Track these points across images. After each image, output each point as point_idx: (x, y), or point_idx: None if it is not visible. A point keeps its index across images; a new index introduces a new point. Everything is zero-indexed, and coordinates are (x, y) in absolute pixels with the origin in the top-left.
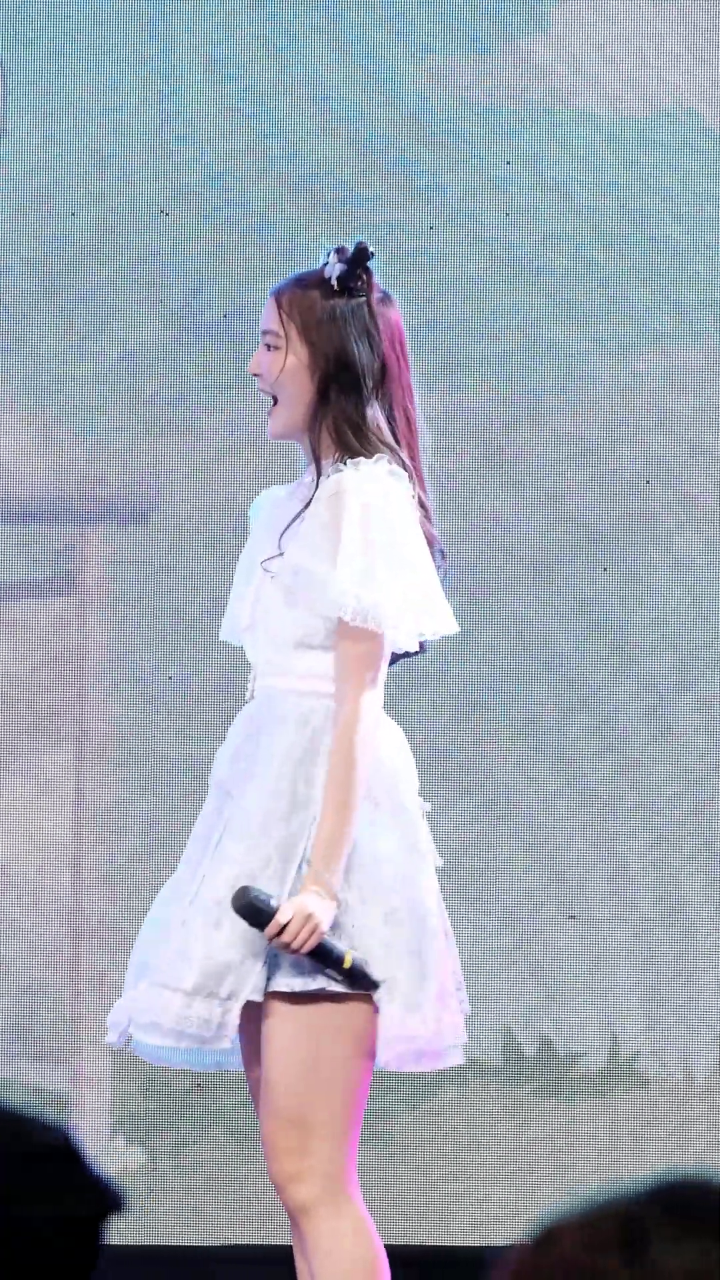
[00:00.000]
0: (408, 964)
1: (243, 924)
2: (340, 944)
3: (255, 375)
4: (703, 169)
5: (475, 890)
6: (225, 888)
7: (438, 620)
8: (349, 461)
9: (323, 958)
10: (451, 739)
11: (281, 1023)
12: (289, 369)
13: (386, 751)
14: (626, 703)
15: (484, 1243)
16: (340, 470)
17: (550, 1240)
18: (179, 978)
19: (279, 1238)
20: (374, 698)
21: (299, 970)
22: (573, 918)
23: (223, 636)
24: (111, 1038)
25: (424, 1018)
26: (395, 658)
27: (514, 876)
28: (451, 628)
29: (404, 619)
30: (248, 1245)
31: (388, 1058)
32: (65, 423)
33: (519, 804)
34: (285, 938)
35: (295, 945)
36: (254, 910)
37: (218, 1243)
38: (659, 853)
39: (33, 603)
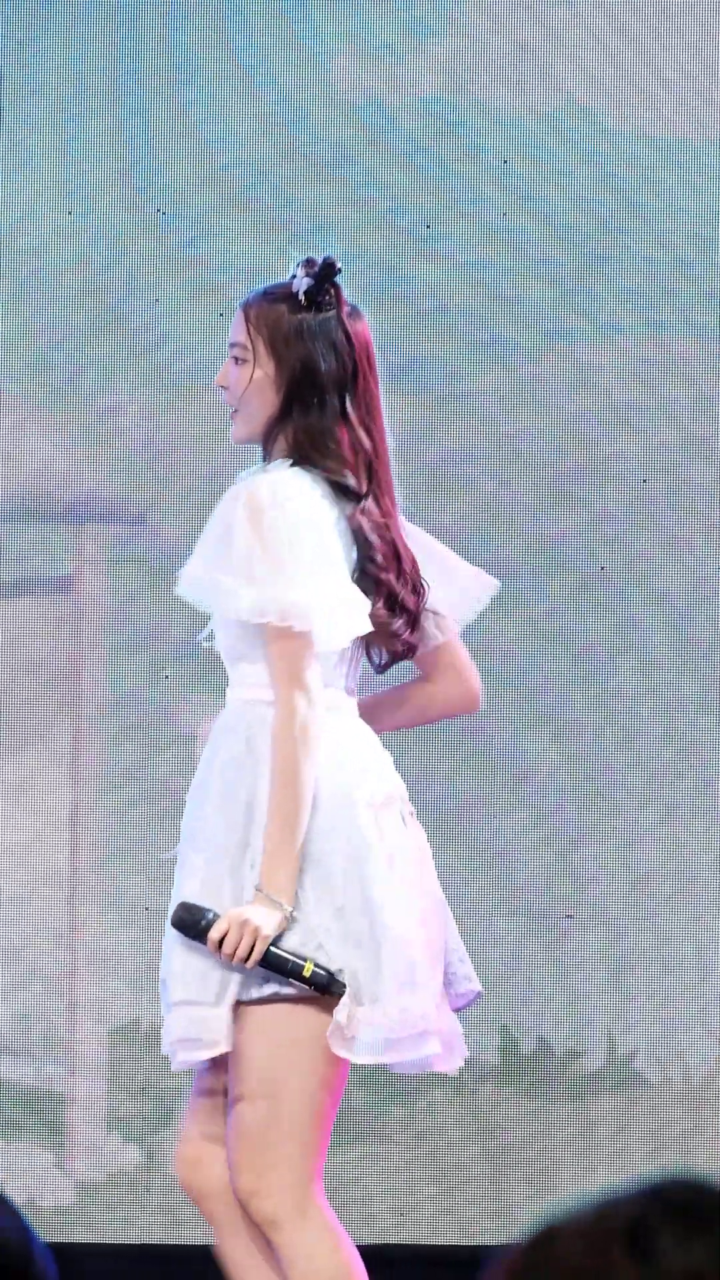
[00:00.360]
0: (361, 957)
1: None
2: (296, 954)
3: (222, 387)
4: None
5: (473, 891)
6: (188, 896)
7: (356, 619)
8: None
9: (277, 968)
10: (449, 738)
11: (243, 1033)
12: (256, 382)
13: (330, 747)
14: (631, 704)
15: (477, 1243)
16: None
17: (550, 1240)
18: (171, 994)
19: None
20: (304, 698)
21: (253, 978)
22: (569, 917)
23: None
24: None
25: (385, 1009)
26: (385, 665)
27: (512, 877)
28: (365, 627)
29: (327, 614)
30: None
31: (360, 1053)
32: (67, 423)
33: (517, 805)
34: (226, 949)
35: (239, 955)
36: (187, 926)
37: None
38: (658, 854)
39: (32, 600)
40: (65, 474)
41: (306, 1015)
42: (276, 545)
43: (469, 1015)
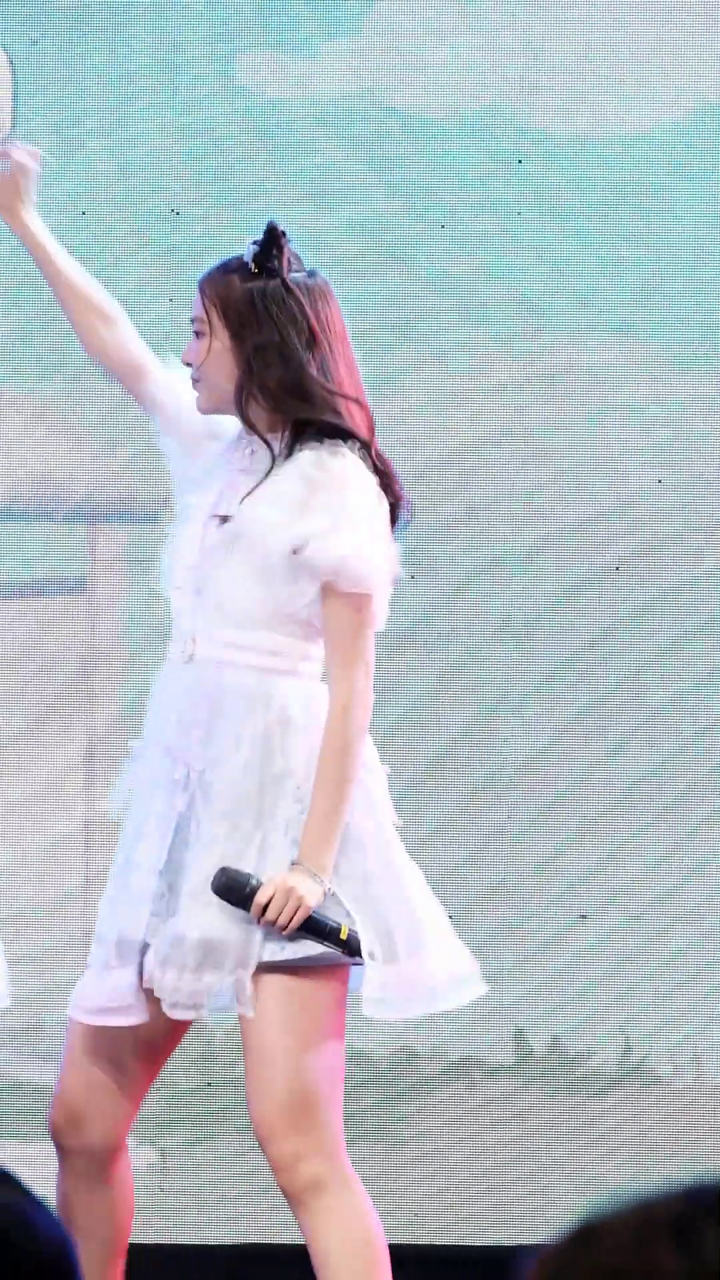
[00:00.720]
0: (385, 920)
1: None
2: (332, 917)
3: (186, 364)
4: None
5: (486, 890)
6: (211, 869)
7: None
8: (327, 443)
9: (316, 932)
10: (457, 737)
11: (274, 998)
12: (214, 353)
13: None
14: (646, 704)
15: (496, 1243)
16: (318, 448)
17: (589, 1237)
18: (182, 955)
19: (290, 1237)
20: (368, 676)
21: (286, 938)
22: (584, 917)
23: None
24: (131, 1020)
25: (402, 968)
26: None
27: (525, 876)
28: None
29: (386, 594)
30: (259, 1244)
31: (386, 1011)
32: (80, 423)
33: (529, 802)
34: (270, 915)
35: (281, 921)
36: (232, 891)
37: (228, 1241)
38: (672, 852)
39: (49, 600)
40: (77, 473)
41: (329, 980)
42: (376, 526)
43: (480, 1014)
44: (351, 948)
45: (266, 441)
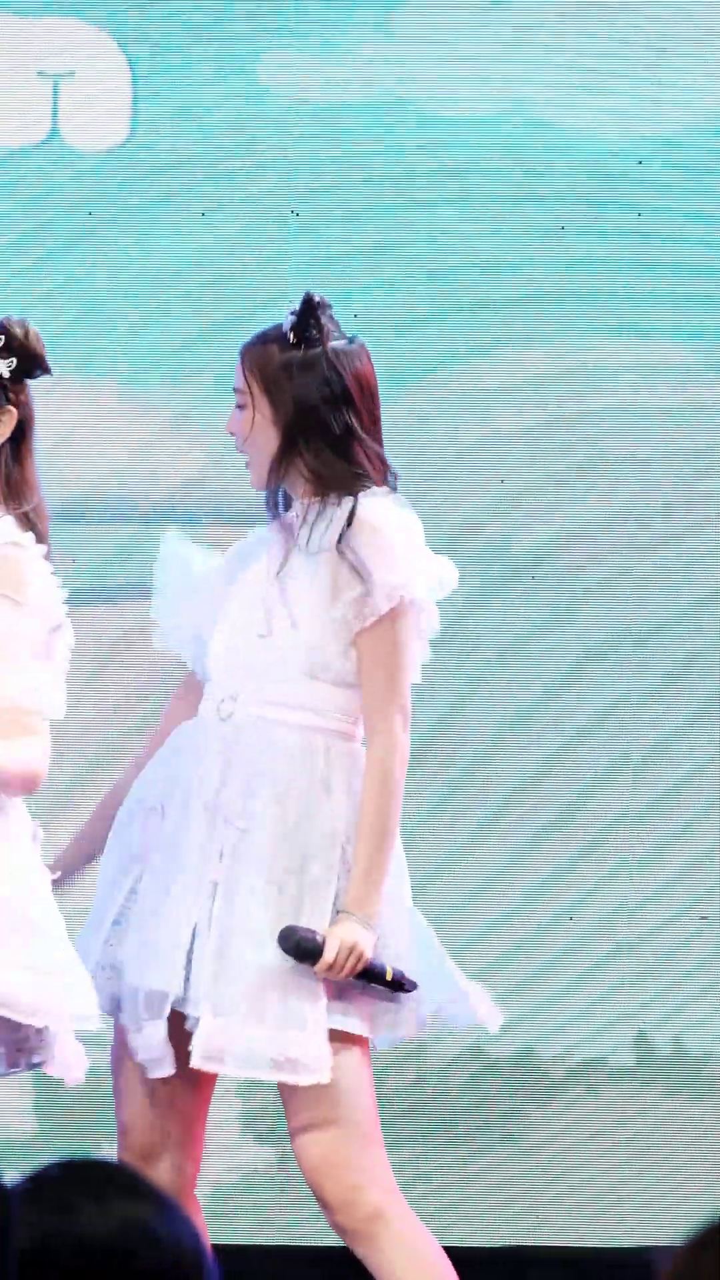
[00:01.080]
0: (428, 952)
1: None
2: (379, 960)
3: (232, 434)
4: None
5: (609, 898)
6: (262, 924)
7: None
8: (357, 494)
9: (370, 978)
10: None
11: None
12: (257, 425)
13: None
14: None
15: (623, 1245)
16: (349, 499)
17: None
18: (261, 1012)
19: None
20: (407, 728)
21: (347, 995)
22: (704, 918)
23: (166, 646)
24: (163, 1071)
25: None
26: None
27: (648, 881)
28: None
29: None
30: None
31: (402, 1036)
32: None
33: (650, 801)
34: (334, 973)
35: (346, 973)
36: (303, 950)
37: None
38: None
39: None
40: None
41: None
42: (425, 562)
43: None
44: (402, 985)
45: (292, 509)
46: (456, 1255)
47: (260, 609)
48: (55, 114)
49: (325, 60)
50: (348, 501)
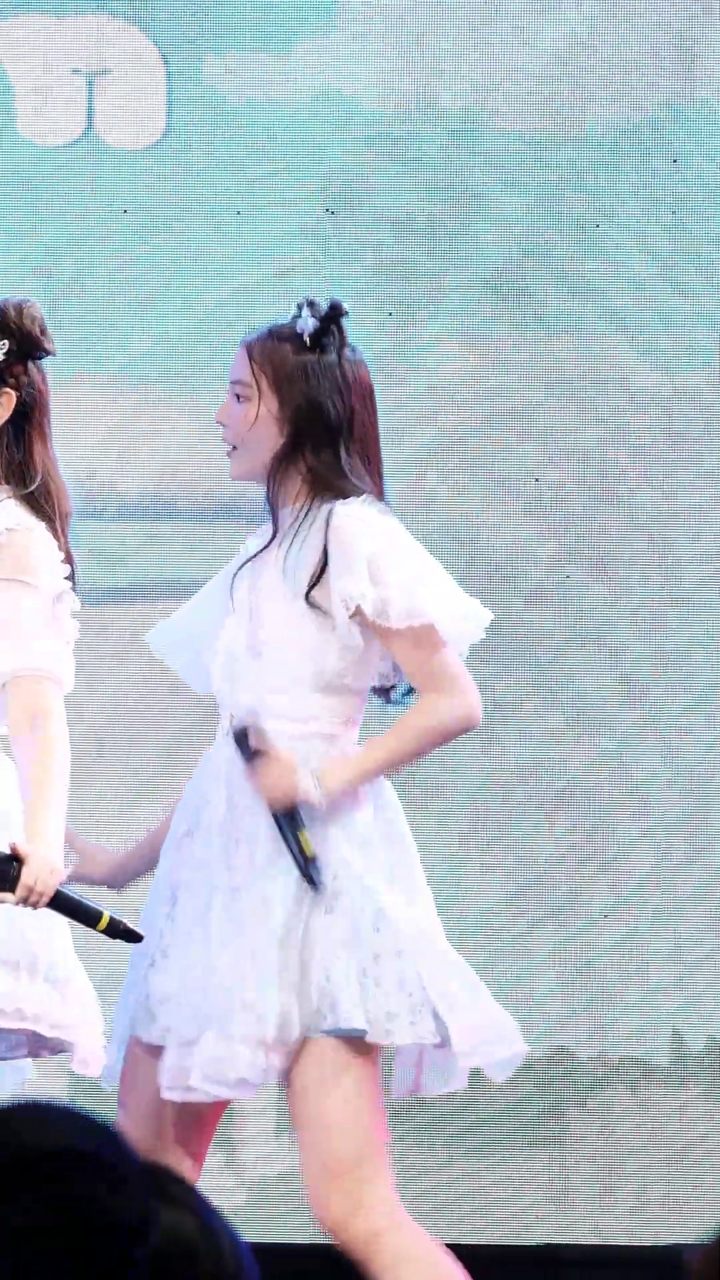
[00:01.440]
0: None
1: (271, 968)
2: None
3: (221, 424)
4: None
5: (642, 896)
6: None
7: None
8: (337, 501)
9: (290, 830)
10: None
11: (315, 1064)
12: (260, 419)
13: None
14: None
15: (662, 1243)
16: (330, 507)
17: None
18: (263, 1032)
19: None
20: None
21: (314, 1014)
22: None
23: (199, 686)
24: (174, 1095)
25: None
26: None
27: (681, 874)
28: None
29: (458, 619)
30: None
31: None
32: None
33: (682, 807)
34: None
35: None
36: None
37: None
38: None
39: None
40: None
41: (362, 1050)
42: (419, 558)
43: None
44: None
45: (275, 516)
46: (489, 1253)
47: (246, 624)
48: (90, 112)
49: (359, 57)
50: (327, 508)
